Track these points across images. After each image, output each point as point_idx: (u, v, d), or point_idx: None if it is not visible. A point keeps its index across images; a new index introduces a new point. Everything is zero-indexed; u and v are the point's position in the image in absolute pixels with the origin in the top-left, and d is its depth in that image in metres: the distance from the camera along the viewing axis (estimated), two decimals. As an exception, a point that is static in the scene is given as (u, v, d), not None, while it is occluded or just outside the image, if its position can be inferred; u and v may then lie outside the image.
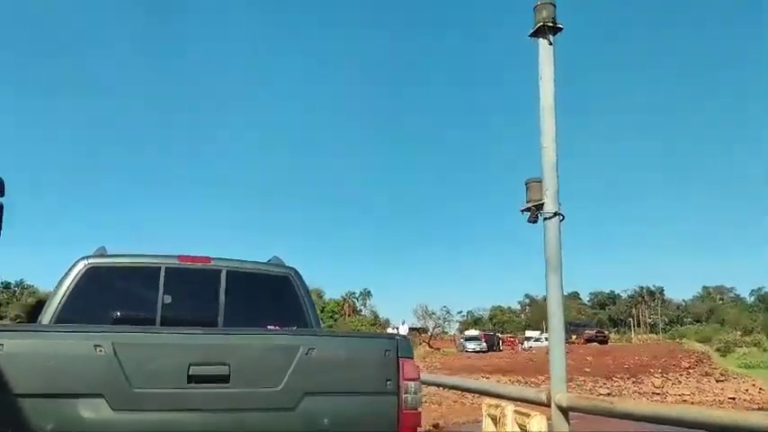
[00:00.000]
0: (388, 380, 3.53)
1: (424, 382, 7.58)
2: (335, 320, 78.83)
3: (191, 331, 3.32)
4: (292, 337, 3.46)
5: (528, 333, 68.43)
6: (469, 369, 31.85)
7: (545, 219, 5.02)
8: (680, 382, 31.59)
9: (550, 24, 5.18)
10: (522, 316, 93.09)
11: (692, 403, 25.40)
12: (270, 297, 4.92)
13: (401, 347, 3.66)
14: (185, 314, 4.43)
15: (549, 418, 4.71)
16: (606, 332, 59.67)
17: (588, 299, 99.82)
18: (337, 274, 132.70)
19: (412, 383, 3.63)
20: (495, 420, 5.02)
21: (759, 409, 25.31)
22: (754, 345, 53.11)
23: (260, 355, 3.32)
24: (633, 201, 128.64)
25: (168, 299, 4.49)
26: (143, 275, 4.55)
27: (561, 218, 5.02)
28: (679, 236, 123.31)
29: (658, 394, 29.09)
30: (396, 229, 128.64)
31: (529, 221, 5.13)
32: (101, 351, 3.01)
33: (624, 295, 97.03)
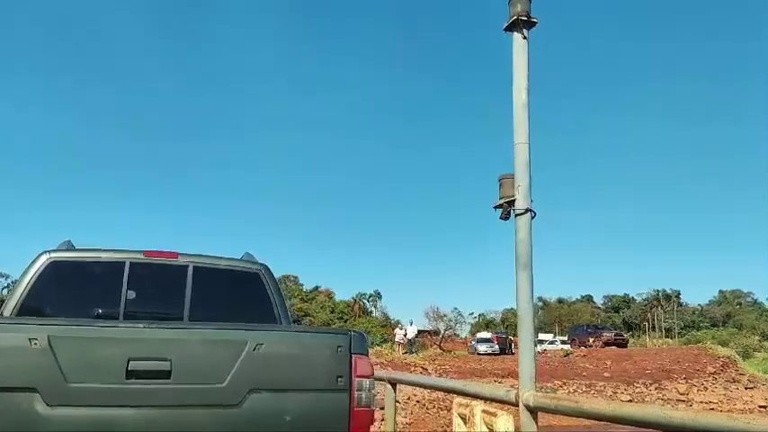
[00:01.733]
0: (339, 377, 3.50)
1: (401, 382, 7.57)
2: (345, 321, 78.91)
3: (130, 325, 3.31)
4: (239, 332, 3.41)
5: (541, 336, 67.89)
6: (480, 372, 30.98)
7: (516, 215, 4.99)
8: (706, 388, 30.53)
9: (525, 18, 5.15)
10: (535, 319, 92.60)
11: (721, 411, 24.36)
12: (238, 293, 4.92)
13: (354, 343, 3.62)
14: (149, 310, 4.42)
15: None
16: (625, 335, 58.18)
17: (602, 302, 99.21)
18: (348, 277, 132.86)
19: (365, 380, 3.59)
20: (464, 419, 4.99)
21: None
22: (772, 350, 52.41)
23: (204, 350, 3.28)
24: (648, 203, 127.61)
25: (132, 294, 4.50)
26: (107, 270, 4.55)
27: (533, 215, 4.98)
28: (695, 239, 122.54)
29: (683, 401, 28.36)
30: (408, 231, 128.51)
31: (501, 218, 5.09)
32: (35, 344, 2.97)
33: (639, 299, 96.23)
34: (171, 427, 3.14)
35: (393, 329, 52.13)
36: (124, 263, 4.57)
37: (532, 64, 5.18)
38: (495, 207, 5.14)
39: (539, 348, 53.43)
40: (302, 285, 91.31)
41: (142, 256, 4.66)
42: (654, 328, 79.74)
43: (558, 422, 17.86)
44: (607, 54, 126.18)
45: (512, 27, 5.21)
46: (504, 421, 4.52)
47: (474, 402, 4.95)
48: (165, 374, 3.15)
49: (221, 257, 4.96)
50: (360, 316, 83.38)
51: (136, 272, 4.57)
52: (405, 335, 40.64)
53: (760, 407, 28.29)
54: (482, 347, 46.56)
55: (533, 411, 4.57)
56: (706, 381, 31.57)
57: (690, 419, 3.61)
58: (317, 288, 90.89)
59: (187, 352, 3.25)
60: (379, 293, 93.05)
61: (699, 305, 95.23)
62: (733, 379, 32.03)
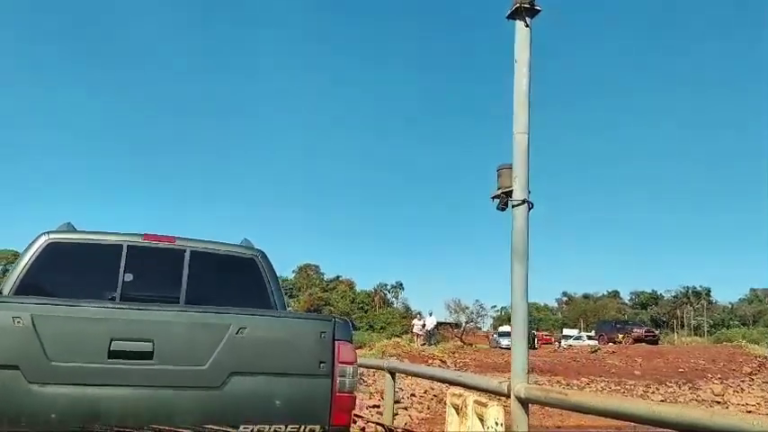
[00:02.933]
0: (321, 362, 3.56)
1: (399, 371, 7.64)
2: (365, 312, 79.30)
3: (114, 305, 3.40)
4: (222, 316, 3.48)
5: (566, 331, 67.28)
6: (502, 367, 30.53)
7: (513, 206, 5.00)
8: (742, 389, 28.82)
9: (527, 6, 5.13)
10: (559, 314, 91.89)
11: (760, 414, 24.20)
12: (235, 278, 4.99)
13: (338, 330, 3.68)
14: (146, 293, 4.51)
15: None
16: (656, 332, 56.88)
17: (629, 298, 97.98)
18: (371, 267, 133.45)
19: (348, 367, 3.65)
20: (457, 410, 5.04)
21: None
22: (805, 350, 51.22)
23: (187, 333, 3.36)
24: (680, 201, 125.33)
25: (129, 277, 4.61)
26: (105, 252, 4.65)
27: (530, 206, 4.99)
28: (727, 237, 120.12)
29: (719, 403, 26.92)
30: (432, 224, 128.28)
31: (498, 209, 5.11)
32: (19, 322, 3.06)
33: (667, 296, 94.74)
34: (152, 407, 3.22)
35: (411, 320, 51.73)
36: (122, 246, 4.67)
37: (535, 53, 5.16)
38: (493, 197, 5.16)
39: (564, 344, 52.87)
40: (323, 274, 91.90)
41: (140, 240, 4.76)
42: (682, 325, 78.53)
43: (576, 421, 17.72)
44: (615, 54, 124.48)
45: (514, 15, 5.19)
46: (494, 412, 4.57)
47: (467, 393, 5.00)
48: (148, 355, 3.24)
49: (218, 242, 5.04)
50: (380, 306, 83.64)
51: (134, 255, 4.67)
52: (423, 326, 40.14)
53: None
54: (504, 341, 46.01)
55: (524, 403, 4.62)
56: (742, 381, 30.07)
57: (675, 414, 3.63)
58: (338, 278, 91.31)
59: (170, 334, 3.33)
60: (401, 284, 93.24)
61: (729, 303, 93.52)
62: None
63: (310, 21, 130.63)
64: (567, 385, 27.17)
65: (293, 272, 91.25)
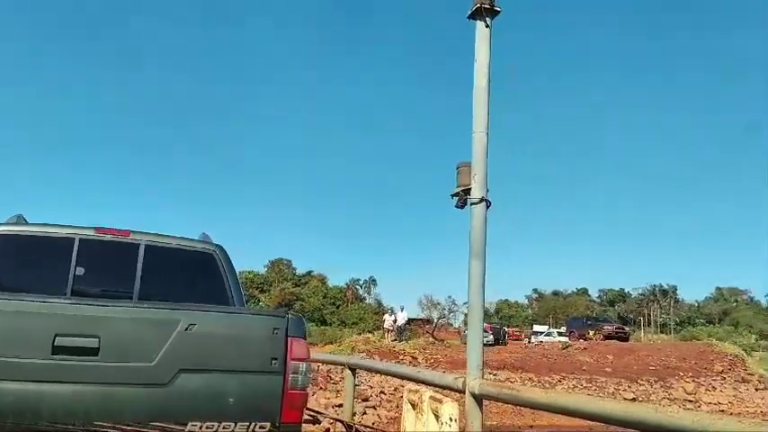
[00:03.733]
0: (273, 359, 3.55)
1: (360, 368, 7.68)
2: (337, 307, 79.15)
3: (58, 300, 3.35)
4: (171, 312, 3.44)
5: (536, 328, 67.99)
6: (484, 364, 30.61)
7: (472, 204, 5.05)
8: (714, 388, 29.21)
9: (488, 6, 5.18)
10: (529, 310, 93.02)
11: (731, 414, 23.94)
12: (192, 274, 4.95)
13: (292, 326, 3.66)
14: (98, 287, 4.44)
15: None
16: (627, 329, 57.40)
17: (597, 296, 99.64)
18: (344, 262, 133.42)
19: (301, 363, 3.65)
20: (414, 405, 5.08)
21: None
22: (771, 348, 52.51)
23: (134, 329, 3.31)
24: (647, 199, 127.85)
25: (81, 271, 4.53)
26: (56, 246, 4.56)
27: (488, 204, 5.05)
28: (692, 236, 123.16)
29: (691, 401, 27.17)
30: (405, 219, 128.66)
31: (457, 207, 5.17)
32: None
33: (635, 293, 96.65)
34: (98, 405, 3.18)
35: (382, 315, 51.55)
36: (74, 239, 4.59)
37: (494, 53, 5.21)
38: (452, 195, 5.21)
39: (534, 340, 53.29)
40: (295, 269, 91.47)
41: (93, 233, 4.68)
42: (649, 323, 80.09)
43: (548, 420, 17.86)
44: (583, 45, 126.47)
45: (475, 15, 5.24)
46: (449, 408, 4.62)
47: (424, 389, 5.05)
48: (93, 351, 3.19)
49: (175, 237, 4.98)
50: (353, 302, 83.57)
51: (86, 248, 4.58)
52: (394, 321, 40.06)
53: None
54: None
55: (479, 399, 4.68)
56: (714, 380, 30.41)
57: (622, 411, 3.72)
58: (310, 273, 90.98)
59: (116, 330, 3.28)
60: (374, 280, 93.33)
61: (695, 301, 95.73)
62: (742, 379, 30.81)
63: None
64: (539, 382, 27.06)
65: (264, 266, 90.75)
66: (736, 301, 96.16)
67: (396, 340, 37.24)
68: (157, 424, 3.26)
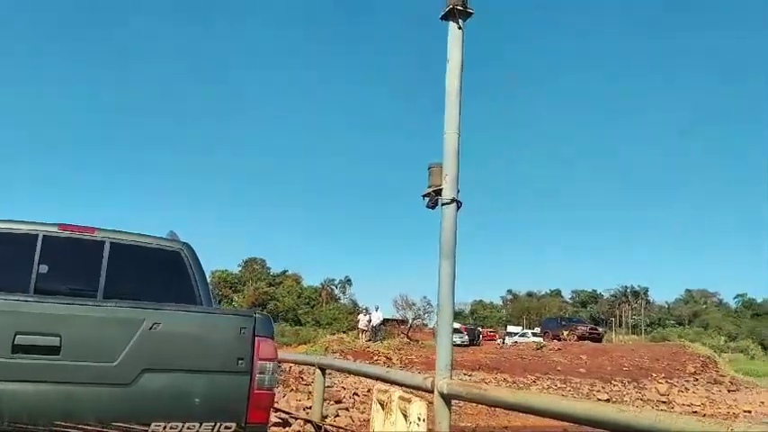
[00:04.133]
0: (240, 359, 3.53)
1: (330, 368, 7.68)
2: (312, 307, 78.84)
3: (19, 298, 3.29)
4: (135, 310, 3.40)
5: (510, 328, 68.43)
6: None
7: (442, 204, 5.08)
8: (687, 389, 29.36)
9: (461, 8, 5.22)
10: (504, 311, 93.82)
11: (704, 415, 23.86)
12: (158, 272, 4.89)
13: (259, 326, 3.65)
14: (62, 285, 4.38)
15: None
16: (600, 329, 57.92)
17: (570, 297, 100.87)
18: (319, 262, 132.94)
19: (268, 363, 3.63)
20: (383, 405, 5.10)
21: None
22: (741, 351, 53.46)
23: (96, 328, 3.27)
24: (619, 202, 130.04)
25: (44, 268, 4.45)
26: (19, 242, 4.47)
27: (458, 205, 5.08)
28: (663, 238, 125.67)
29: (665, 402, 27.10)
30: (380, 220, 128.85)
31: (428, 207, 5.19)
32: None
33: (606, 294, 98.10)
34: (60, 404, 3.14)
35: (356, 315, 51.30)
36: (37, 235, 4.51)
37: (467, 54, 5.26)
38: (424, 196, 5.23)
39: (509, 341, 53.56)
40: (269, 269, 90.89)
41: (57, 230, 4.60)
42: (620, 324, 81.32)
43: (522, 421, 17.90)
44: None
45: (448, 16, 5.28)
46: (417, 407, 4.65)
47: (393, 389, 5.07)
48: (55, 350, 3.15)
49: (142, 234, 4.92)
50: (327, 302, 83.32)
51: (50, 245, 4.50)
52: (369, 321, 39.89)
53: (745, 411, 27.05)
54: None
55: (447, 398, 4.71)
56: (687, 381, 30.63)
57: (585, 410, 3.78)
58: (284, 272, 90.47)
59: (79, 328, 3.24)
60: (349, 280, 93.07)
61: (666, 303, 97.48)
62: (714, 380, 31.09)
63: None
64: (514, 383, 26.99)
65: (238, 266, 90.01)
66: (706, 303, 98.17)
67: (370, 341, 37.03)
68: (120, 424, 3.23)
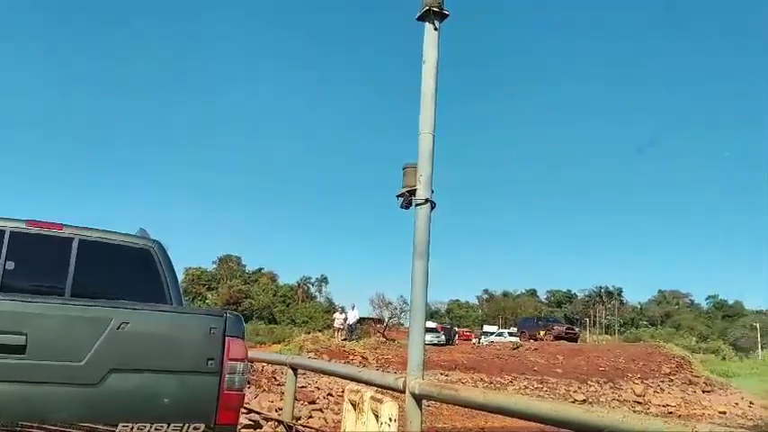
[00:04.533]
0: (210, 359, 3.51)
1: (302, 367, 7.66)
2: (287, 305, 78.54)
3: None
4: (103, 309, 3.37)
5: (486, 328, 68.78)
6: (425, 364, 29.43)
7: (416, 205, 5.11)
8: (662, 390, 29.49)
9: (437, 9, 5.24)
10: (480, 311, 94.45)
11: (679, 416, 24.23)
12: (127, 270, 4.85)
13: (229, 326, 3.63)
14: (29, 282, 4.32)
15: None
16: (576, 329, 58.25)
17: (545, 297, 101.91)
18: (295, 260, 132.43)
19: (238, 364, 3.63)
20: (354, 405, 5.11)
21: (754, 426, 24.31)
22: (712, 352, 54.43)
23: (64, 327, 3.24)
24: (593, 204, 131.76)
25: (11, 265, 4.39)
26: None
27: (432, 205, 5.11)
28: (638, 239, 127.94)
29: (641, 404, 27.29)
30: (358, 219, 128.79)
31: (402, 207, 5.21)
32: None
33: (581, 295, 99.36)
34: (24, 404, 3.11)
35: (333, 314, 50.93)
36: (4, 231, 4.44)
37: (443, 55, 5.29)
38: (398, 196, 5.25)
39: (484, 340, 53.74)
40: (245, 266, 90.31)
41: (24, 226, 4.54)
42: (594, 323, 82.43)
43: (500, 422, 17.87)
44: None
45: (424, 17, 5.30)
46: (388, 408, 4.67)
47: (365, 389, 5.08)
48: (20, 349, 3.11)
49: (111, 231, 4.87)
50: (303, 300, 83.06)
51: (17, 242, 4.44)
52: (345, 320, 39.60)
53: (720, 412, 27.32)
54: (428, 337, 45.13)
55: (418, 399, 4.74)
56: (662, 382, 30.65)
57: (552, 411, 3.84)
58: (260, 270, 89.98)
59: (45, 327, 3.20)
60: (325, 278, 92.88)
61: (638, 303, 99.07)
62: (689, 381, 31.18)
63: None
64: (491, 383, 26.81)
65: (213, 263, 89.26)
66: (678, 304, 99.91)
67: (346, 339, 36.69)
68: (86, 425, 3.20)
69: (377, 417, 4.80)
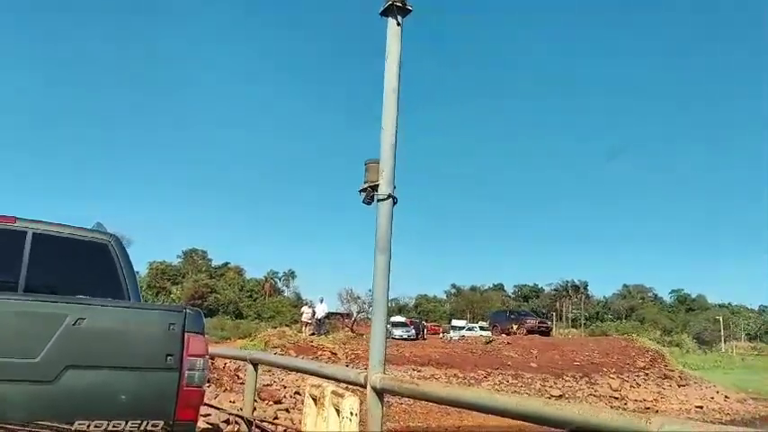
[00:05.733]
0: (169, 355, 3.53)
1: (262, 362, 7.66)
2: (254, 300, 78.02)
3: None
4: (58, 305, 3.37)
5: (454, 322, 69.02)
6: (397, 360, 27.60)
7: (378, 200, 5.15)
8: (638, 384, 29.48)
9: (399, 5, 5.28)
10: (447, 305, 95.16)
11: (657, 411, 24.04)
12: (84, 265, 4.81)
13: (189, 322, 3.65)
14: None
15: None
16: (549, 323, 58.07)
17: (512, 291, 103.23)
18: (262, 254, 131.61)
19: (198, 360, 3.64)
20: (315, 400, 5.16)
21: (732, 421, 24.16)
22: (676, 345, 55.63)
23: (16, 323, 3.23)
24: (559, 197, 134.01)
25: None
26: None
27: (394, 201, 5.17)
28: (602, 234, 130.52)
29: (617, 398, 27.26)
30: (325, 213, 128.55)
31: (364, 202, 5.25)
32: None
33: (548, 289, 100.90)
34: None
35: (300, 308, 50.29)
36: None
37: (405, 51, 5.34)
38: (360, 191, 5.29)
39: (453, 335, 53.57)
40: (210, 261, 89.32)
41: None
42: (561, 317, 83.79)
43: (475, 420, 17.78)
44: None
45: (387, 12, 5.33)
46: (349, 402, 4.73)
47: (326, 384, 5.13)
48: None
49: (66, 225, 4.82)
50: (270, 295, 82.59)
51: None
52: (313, 314, 38.85)
53: (697, 407, 27.47)
54: (398, 332, 44.63)
55: (380, 393, 4.80)
56: (637, 376, 30.66)
57: (514, 404, 3.94)
58: (226, 264, 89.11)
59: None
60: (293, 273, 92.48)
61: (603, 297, 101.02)
62: (664, 375, 31.21)
63: None
64: (464, 379, 26.82)
65: (178, 257, 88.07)
66: (642, 298, 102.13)
67: (314, 334, 36.07)
68: (42, 423, 3.18)
69: (338, 411, 4.85)
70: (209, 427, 6.69)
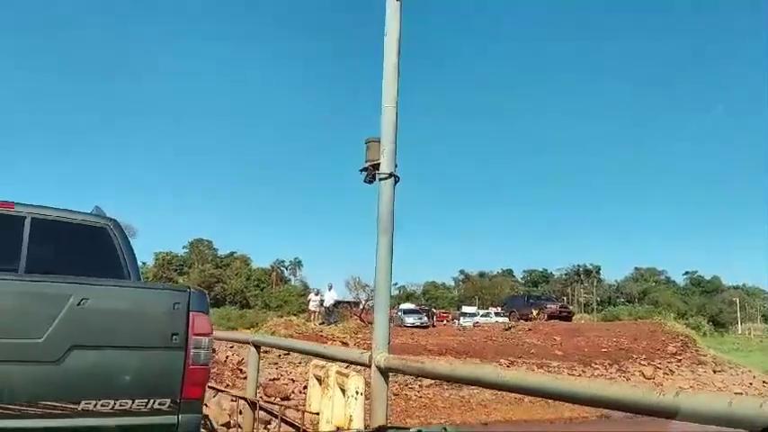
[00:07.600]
0: (174, 334, 3.57)
1: (264, 345, 7.72)
2: (261, 289, 78.39)
3: None
4: (62, 285, 3.39)
5: (464, 308, 68.83)
6: (413, 349, 26.66)
7: (380, 179, 5.17)
8: (672, 371, 27.90)
9: (398, -20, 5.27)
10: (456, 292, 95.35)
11: None
12: (84, 249, 4.84)
13: (194, 301, 3.69)
14: None
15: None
16: (571, 308, 56.64)
17: (522, 276, 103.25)
18: (269, 243, 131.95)
19: (203, 339, 3.69)
20: (320, 381, 5.22)
21: None
22: (694, 328, 55.27)
23: (21, 304, 3.27)
24: (569, 181, 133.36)
25: None
26: None
27: (396, 179, 5.18)
28: (612, 217, 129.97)
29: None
30: (331, 200, 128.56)
31: (365, 182, 5.27)
32: None
33: (558, 274, 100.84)
34: None
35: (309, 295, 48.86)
36: None
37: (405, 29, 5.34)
38: (361, 170, 5.31)
39: (464, 321, 52.99)
40: (216, 250, 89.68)
41: None
42: (571, 302, 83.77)
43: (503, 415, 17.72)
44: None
45: (386, -13, 5.31)
46: (355, 381, 4.79)
47: (330, 364, 5.19)
48: None
49: (65, 210, 4.85)
50: (277, 284, 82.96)
51: None
52: (321, 302, 35.19)
53: (736, 393, 25.85)
54: (410, 319, 43.48)
55: (384, 372, 4.85)
56: (669, 363, 29.07)
57: (518, 379, 3.98)
58: (232, 254, 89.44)
59: (1, 305, 3.23)
60: (299, 262, 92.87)
61: (615, 281, 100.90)
62: (698, 361, 29.69)
63: None
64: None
65: (184, 248, 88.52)
66: (655, 281, 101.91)
67: (323, 323, 34.79)
68: (48, 403, 3.24)
69: (343, 390, 4.91)
70: (214, 408, 6.77)
